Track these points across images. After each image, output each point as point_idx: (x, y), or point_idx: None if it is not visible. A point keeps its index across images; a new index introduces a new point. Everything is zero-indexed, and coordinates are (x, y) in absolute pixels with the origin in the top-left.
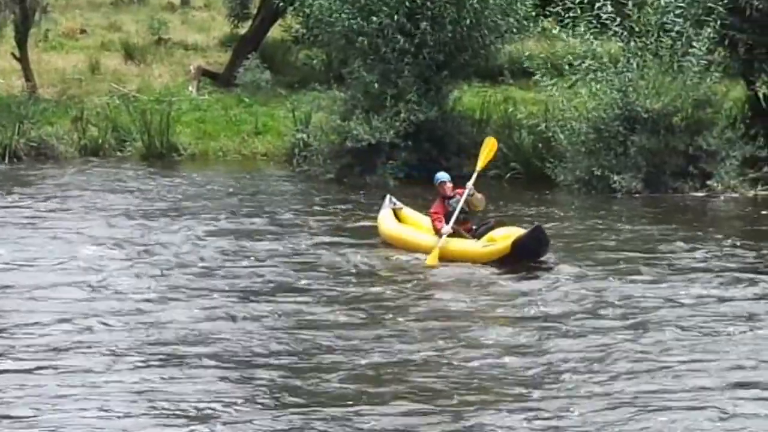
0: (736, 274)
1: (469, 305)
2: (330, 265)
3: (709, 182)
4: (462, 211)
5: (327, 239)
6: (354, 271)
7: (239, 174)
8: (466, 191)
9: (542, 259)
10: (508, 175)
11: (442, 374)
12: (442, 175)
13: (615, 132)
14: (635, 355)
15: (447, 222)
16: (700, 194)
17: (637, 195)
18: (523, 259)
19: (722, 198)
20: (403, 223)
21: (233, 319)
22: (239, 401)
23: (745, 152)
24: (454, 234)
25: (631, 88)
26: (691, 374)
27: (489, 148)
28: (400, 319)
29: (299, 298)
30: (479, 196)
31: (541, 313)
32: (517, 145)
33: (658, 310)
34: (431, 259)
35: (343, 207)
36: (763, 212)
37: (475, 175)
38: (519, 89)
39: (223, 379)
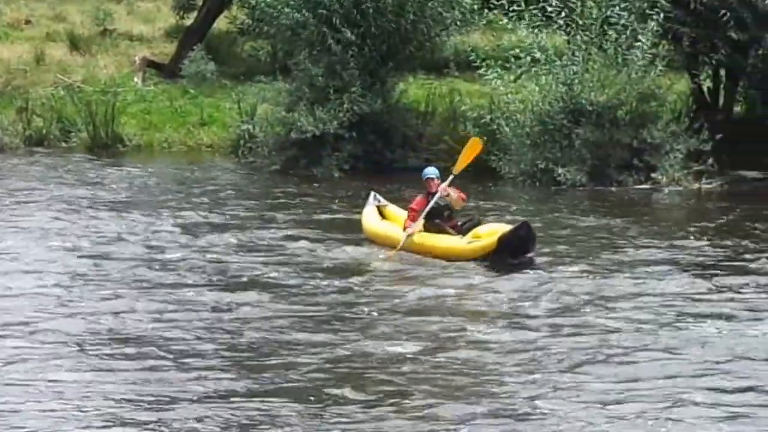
0: (697, 269)
1: (435, 300)
2: (294, 259)
3: (653, 175)
4: (447, 208)
5: (291, 232)
6: (319, 264)
7: (185, 165)
8: (438, 193)
9: (528, 255)
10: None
11: (406, 369)
12: (430, 171)
13: (560, 125)
14: (605, 351)
15: (432, 217)
16: (644, 187)
17: (581, 188)
18: (509, 255)
19: (666, 191)
20: (388, 220)
21: (195, 313)
22: (198, 395)
23: (689, 145)
24: (440, 231)
25: (576, 81)
26: (661, 369)
27: (471, 149)
28: (366, 314)
29: (263, 292)
30: (455, 195)
31: (509, 309)
32: (462, 137)
33: (624, 305)
34: (390, 253)
35: (303, 199)
36: (708, 205)
37: (451, 177)
38: (464, 82)
39: (182, 372)
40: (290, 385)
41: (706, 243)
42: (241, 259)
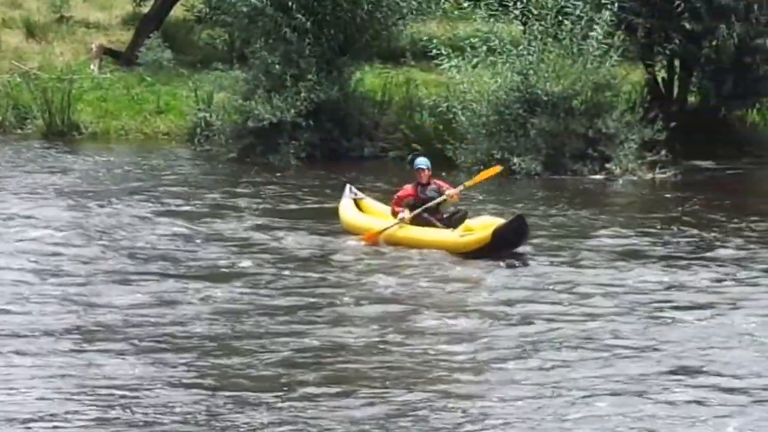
0: (666, 260)
1: (406, 291)
2: (265, 249)
3: (607, 165)
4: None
5: (260, 222)
6: (290, 254)
7: (143, 153)
8: (443, 196)
9: (520, 249)
10: (410, 156)
11: (375, 359)
12: (421, 161)
13: (515, 114)
14: (577, 341)
15: (417, 209)
16: (598, 177)
17: (536, 177)
18: (502, 249)
19: (620, 181)
20: (364, 213)
21: (163, 302)
22: (167, 384)
23: (644, 135)
24: (427, 224)
25: (531, 71)
26: (634, 359)
27: (491, 171)
28: (337, 304)
29: (233, 282)
30: (456, 198)
31: (480, 299)
32: (418, 126)
33: (597, 296)
34: (369, 236)
35: (267, 188)
36: (666, 195)
37: (460, 187)
38: (421, 71)
39: (153, 361)
40: (258, 374)
41: (672, 233)
42: (209, 248)
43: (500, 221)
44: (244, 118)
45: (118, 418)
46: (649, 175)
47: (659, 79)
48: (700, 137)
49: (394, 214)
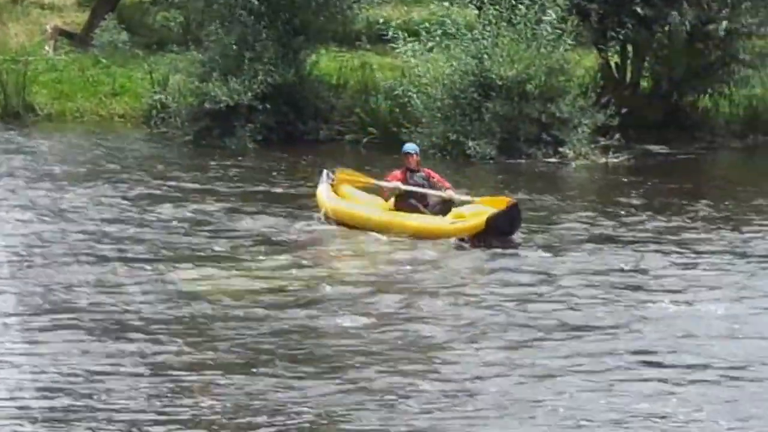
0: (633, 245)
1: (377, 274)
2: (237, 232)
3: (561, 149)
4: (422, 187)
5: (230, 205)
6: (265, 238)
7: (99, 135)
8: (441, 193)
9: (512, 237)
10: (365, 139)
11: (350, 343)
12: (411, 147)
13: (470, 98)
14: (543, 323)
15: (406, 197)
16: (552, 161)
17: (491, 161)
18: (495, 236)
19: (574, 165)
20: (341, 198)
21: (135, 285)
22: (136, 367)
23: (597, 120)
24: (414, 210)
25: (486, 56)
26: (607, 344)
27: (501, 202)
28: (306, 287)
29: (205, 266)
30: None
31: (457, 285)
32: (373, 110)
33: (570, 281)
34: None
35: (229, 171)
36: (623, 179)
37: (467, 198)
38: (376, 55)
39: (117, 345)
40: (227, 356)
41: (633, 217)
42: (168, 231)
43: (492, 209)
44: (200, 100)
45: (80, 403)
46: (602, 160)
47: (612, 64)
48: (652, 122)
49: (398, 202)
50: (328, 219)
